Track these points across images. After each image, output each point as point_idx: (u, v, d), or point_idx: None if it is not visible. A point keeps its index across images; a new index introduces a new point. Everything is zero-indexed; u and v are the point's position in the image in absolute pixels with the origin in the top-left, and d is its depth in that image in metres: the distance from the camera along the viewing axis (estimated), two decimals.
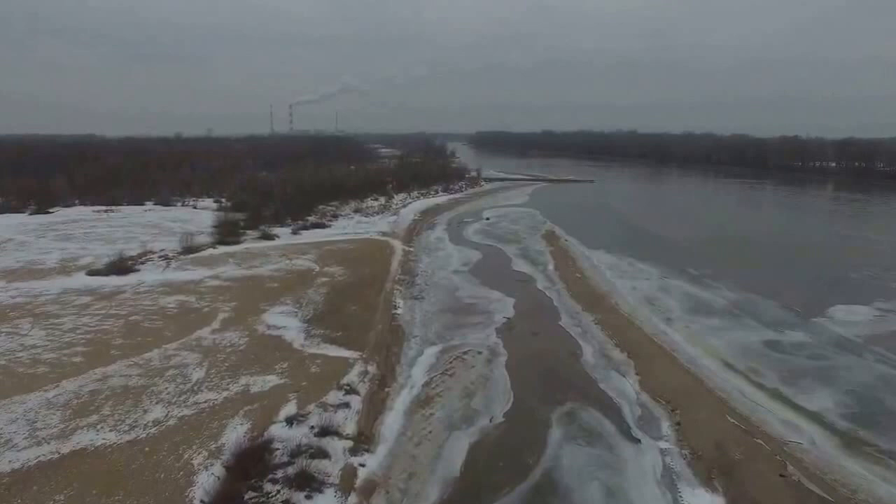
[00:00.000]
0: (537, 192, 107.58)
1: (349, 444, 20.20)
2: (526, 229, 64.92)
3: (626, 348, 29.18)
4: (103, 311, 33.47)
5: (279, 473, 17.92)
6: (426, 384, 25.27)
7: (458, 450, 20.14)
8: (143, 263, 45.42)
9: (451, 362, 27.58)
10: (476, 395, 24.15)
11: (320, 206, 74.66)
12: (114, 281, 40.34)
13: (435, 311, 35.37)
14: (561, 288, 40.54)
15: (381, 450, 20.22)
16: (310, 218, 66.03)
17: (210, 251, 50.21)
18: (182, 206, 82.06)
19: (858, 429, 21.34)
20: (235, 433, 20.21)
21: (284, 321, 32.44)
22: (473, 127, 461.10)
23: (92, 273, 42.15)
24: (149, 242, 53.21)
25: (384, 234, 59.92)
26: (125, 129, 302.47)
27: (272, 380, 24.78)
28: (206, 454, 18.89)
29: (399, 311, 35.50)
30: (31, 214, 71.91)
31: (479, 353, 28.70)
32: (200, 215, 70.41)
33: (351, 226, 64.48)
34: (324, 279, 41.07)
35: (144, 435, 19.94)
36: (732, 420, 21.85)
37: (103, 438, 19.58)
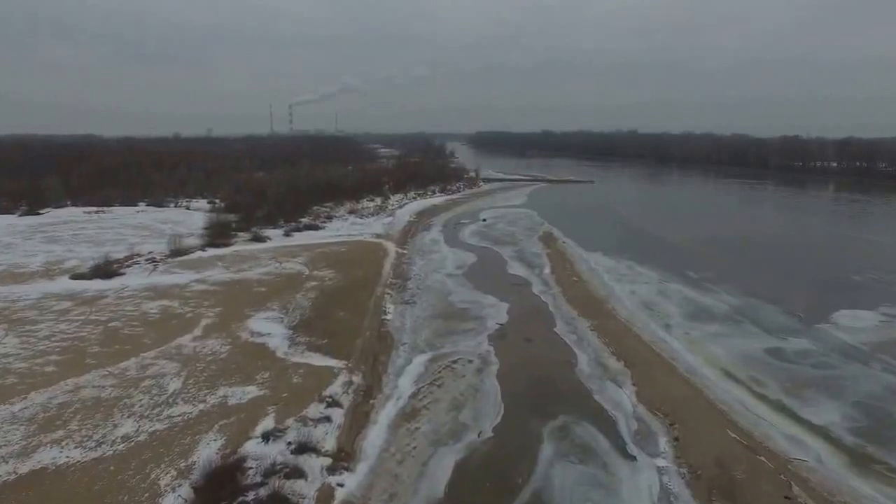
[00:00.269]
0: (536, 193, 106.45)
1: (328, 461, 19.10)
2: (523, 231, 63.79)
3: (622, 356, 28.06)
4: (83, 318, 32.37)
5: (250, 495, 16.81)
6: (413, 395, 24.15)
7: (443, 468, 19.02)
8: (128, 267, 44.33)
9: (440, 372, 26.46)
10: (465, 408, 23.03)
11: (315, 208, 73.61)
12: (97, 285, 39.25)
13: (426, 317, 34.25)
14: (557, 292, 39.42)
15: (362, 468, 19.11)
16: (303, 219, 64.96)
17: (199, 254, 49.11)
18: (175, 207, 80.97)
19: (867, 445, 20.21)
20: (208, 450, 19.10)
21: (269, 328, 31.34)
22: (473, 127, 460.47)
23: (75, 277, 41.06)
24: (137, 245, 52.14)
25: (378, 235, 58.82)
26: (125, 129, 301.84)
27: (252, 391, 23.68)
28: (175, 473, 17.78)
29: (389, 316, 34.39)
30: (21, 215, 70.83)
31: (470, 361, 27.58)
32: (193, 217, 69.31)
33: (345, 227, 63.37)
34: (313, 283, 39.96)
35: (111, 452, 18.83)
36: (734, 435, 20.73)
37: (67, 456, 18.47)
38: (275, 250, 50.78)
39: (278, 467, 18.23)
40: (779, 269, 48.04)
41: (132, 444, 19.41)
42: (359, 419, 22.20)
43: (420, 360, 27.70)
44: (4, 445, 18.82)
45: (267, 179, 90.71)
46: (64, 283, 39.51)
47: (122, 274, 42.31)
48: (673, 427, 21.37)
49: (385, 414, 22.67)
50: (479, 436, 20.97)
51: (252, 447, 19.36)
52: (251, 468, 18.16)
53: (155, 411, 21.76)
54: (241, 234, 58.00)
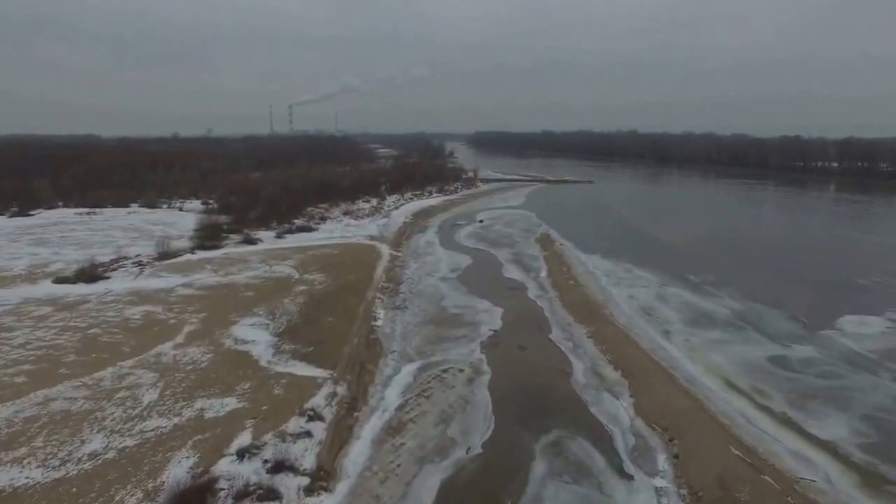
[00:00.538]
0: (534, 194, 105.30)
1: (306, 481, 17.99)
2: (520, 232, 62.65)
3: (620, 365, 26.94)
4: (61, 324, 31.26)
5: None
6: (400, 408, 23.04)
7: (427, 488, 17.92)
8: (114, 270, 43.23)
9: (429, 382, 25.34)
10: (453, 421, 21.91)
11: (309, 209, 72.48)
12: (80, 289, 38.15)
13: (417, 323, 33.14)
14: (553, 297, 38.30)
15: (342, 488, 18.00)
16: (296, 221, 63.83)
17: (187, 257, 48.00)
18: (168, 208, 79.91)
19: (878, 463, 19.09)
20: (178, 469, 18.00)
21: (254, 334, 30.22)
22: (473, 127, 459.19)
23: (58, 281, 39.96)
24: (125, 247, 51.05)
25: (372, 237, 57.69)
26: (125, 129, 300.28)
27: (230, 403, 22.57)
28: (141, 496, 16.68)
29: (379, 322, 33.28)
30: (10, 217, 69.75)
31: (461, 371, 26.46)
32: (185, 218, 68.23)
33: (339, 229, 62.24)
34: (302, 287, 38.85)
35: (76, 472, 17.73)
36: (737, 452, 19.59)
37: (27, 477, 17.37)
38: (265, 253, 49.68)
39: (252, 488, 17.15)
40: (781, 271, 46.90)
41: (99, 462, 18.31)
42: (341, 434, 21.09)
43: (409, 370, 26.59)
44: None
45: (261, 180, 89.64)
46: (46, 288, 38.42)
47: (107, 278, 41.21)
48: (672, 443, 20.26)
49: (369, 428, 21.56)
50: (467, 452, 19.86)
51: (225, 466, 18.25)
52: (223, 489, 17.07)
53: (127, 426, 20.65)
54: (232, 236, 56.89)
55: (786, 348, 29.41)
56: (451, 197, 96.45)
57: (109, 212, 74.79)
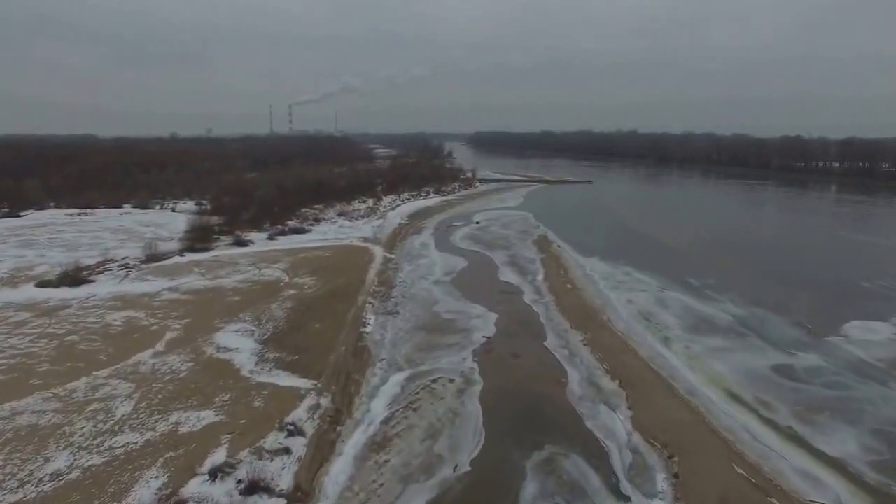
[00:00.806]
0: (533, 194, 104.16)
1: (281, 503, 16.86)
2: (517, 234, 61.52)
3: (617, 375, 25.81)
4: (39, 330, 30.15)
5: None
6: (386, 421, 21.92)
7: None
8: (99, 273, 42.10)
9: (417, 393, 24.22)
10: (441, 436, 20.79)
11: (303, 210, 71.36)
12: (62, 294, 37.03)
13: (408, 329, 32.01)
14: (549, 301, 37.17)
15: None
16: (289, 222, 62.68)
17: (176, 259, 46.88)
18: (161, 209, 78.76)
19: (892, 483, 17.97)
20: (146, 491, 16.90)
21: (238, 342, 29.12)
22: (473, 127, 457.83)
23: (41, 285, 38.85)
24: (114, 249, 49.95)
25: (366, 239, 56.56)
26: (125, 129, 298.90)
27: (207, 417, 21.45)
28: None
29: (368, 328, 32.15)
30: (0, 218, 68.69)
31: (451, 381, 25.34)
32: (177, 219, 66.99)
33: (332, 231, 61.10)
34: (291, 292, 37.73)
35: (34, 495, 16.61)
36: (740, 470, 18.48)
37: None
38: (256, 255, 48.56)
39: None
40: (783, 274, 45.78)
41: (61, 483, 17.20)
42: (322, 449, 19.96)
43: (397, 380, 25.47)
44: None
45: (256, 180, 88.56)
46: (27, 292, 37.30)
47: (92, 281, 40.09)
48: (672, 460, 19.13)
49: (352, 443, 20.43)
50: (454, 470, 18.74)
51: (196, 487, 17.15)
52: None
53: (96, 441, 19.54)
54: (223, 237, 55.77)
55: (790, 356, 28.29)
56: (449, 197, 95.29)
57: (101, 213, 73.64)
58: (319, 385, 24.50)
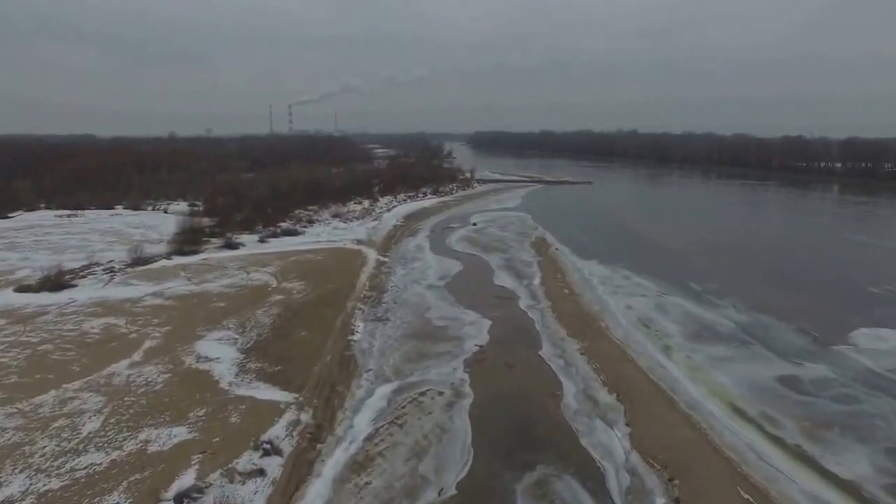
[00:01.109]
0: (531, 195, 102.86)
1: None
2: (514, 236, 60.23)
3: (615, 387, 24.55)
4: (12, 339, 28.94)
5: None
6: (369, 438, 20.66)
7: None
8: (82, 278, 40.89)
9: (404, 406, 22.97)
10: (427, 455, 19.53)
11: (297, 211, 70.12)
12: (42, 299, 35.83)
13: (398, 337, 30.75)
14: (545, 307, 35.91)
15: None
16: (282, 224, 61.47)
17: (163, 262, 45.68)
18: (153, 210, 77.60)
19: None
20: None
21: (219, 351, 27.90)
22: (473, 127, 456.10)
23: (21, 289, 37.63)
24: (101, 252, 48.75)
25: (359, 241, 55.32)
26: (125, 129, 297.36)
27: (179, 434, 20.23)
28: None
29: (357, 336, 30.89)
30: None
31: (441, 393, 24.09)
32: (168, 221, 65.64)
33: (326, 232, 59.86)
34: (279, 297, 36.50)
35: None
36: (746, 495, 17.24)
37: None
38: (245, 259, 47.33)
39: None
40: (787, 278, 44.50)
41: None
42: (299, 470, 18.71)
43: (383, 392, 24.21)
44: None
45: (251, 181, 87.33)
46: (5, 297, 36.09)
47: (74, 286, 38.87)
48: (672, 483, 17.87)
49: (332, 463, 19.17)
50: (439, 494, 17.49)
51: None
52: None
53: (57, 462, 18.32)
54: (214, 239, 54.57)
55: (796, 366, 27.02)
56: (446, 198, 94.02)
57: (91, 214, 72.50)
58: (301, 398, 23.28)
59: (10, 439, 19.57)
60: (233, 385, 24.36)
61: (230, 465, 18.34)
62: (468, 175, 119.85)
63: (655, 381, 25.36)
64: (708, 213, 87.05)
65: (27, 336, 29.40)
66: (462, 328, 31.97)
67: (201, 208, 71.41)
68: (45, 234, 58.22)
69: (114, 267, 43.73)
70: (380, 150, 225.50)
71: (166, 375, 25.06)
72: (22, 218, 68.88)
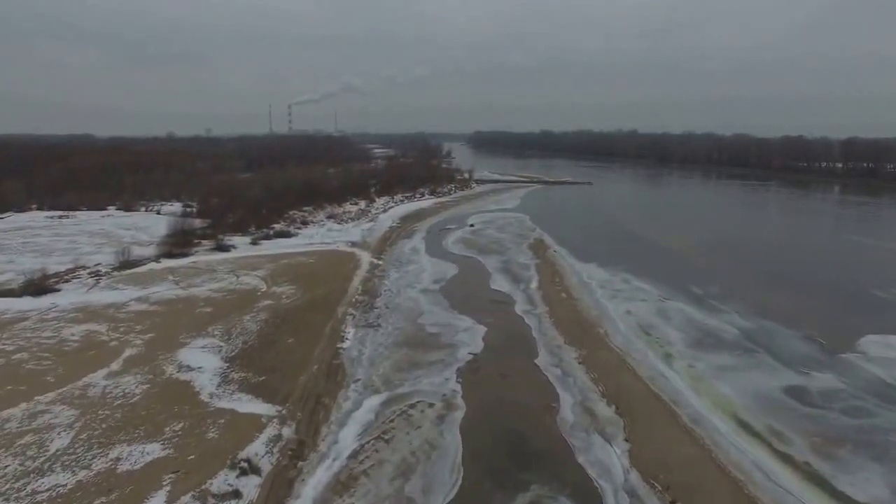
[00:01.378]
0: (530, 196, 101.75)
1: None
2: (512, 238, 59.10)
3: (614, 399, 23.44)
4: None
5: None
6: (354, 455, 19.56)
7: None
8: (67, 281, 39.76)
9: (392, 420, 21.87)
10: (414, 474, 18.42)
11: (292, 212, 68.94)
12: (22, 304, 34.71)
13: (389, 345, 29.65)
14: (542, 312, 34.80)
15: None
16: (275, 226, 60.32)
17: (151, 266, 44.54)
18: (146, 211, 76.45)
19: None
20: None
21: (202, 359, 26.78)
22: (473, 127, 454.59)
23: (2, 294, 36.48)
24: (88, 255, 47.62)
25: (354, 244, 54.18)
26: (125, 129, 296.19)
27: (153, 451, 19.11)
28: None
29: (346, 343, 29.78)
30: None
31: (431, 405, 22.98)
32: (160, 222, 64.46)
33: (320, 234, 58.74)
34: (267, 302, 35.39)
35: None
36: None
37: None
38: (236, 261, 46.19)
39: None
40: (791, 281, 43.39)
41: None
42: (278, 492, 17.60)
43: (371, 404, 23.11)
44: None
45: (247, 181, 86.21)
46: None
47: (58, 290, 37.75)
48: None
49: (313, 483, 18.06)
50: None
51: None
52: None
53: (18, 485, 17.20)
54: (205, 241, 53.42)
55: (803, 376, 25.91)
56: (444, 199, 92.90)
57: (83, 215, 71.38)
58: (284, 411, 22.16)
59: None
60: (213, 397, 23.24)
61: (203, 487, 17.23)
62: (467, 175, 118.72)
63: (656, 392, 24.24)
64: (709, 213, 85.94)
65: (3, 344, 28.27)
66: (456, 335, 30.85)
67: (195, 209, 70.29)
68: (33, 235, 57.08)
69: (100, 270, 42.62)
70: (379, 150, 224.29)
71: (145, 386, 23.95)
72: (11, 219, 67.72)
